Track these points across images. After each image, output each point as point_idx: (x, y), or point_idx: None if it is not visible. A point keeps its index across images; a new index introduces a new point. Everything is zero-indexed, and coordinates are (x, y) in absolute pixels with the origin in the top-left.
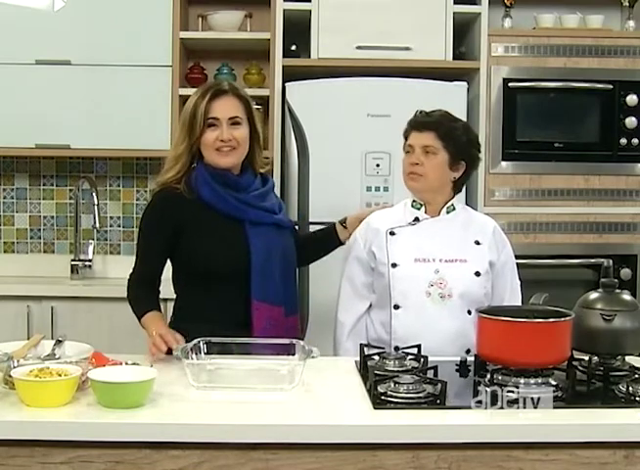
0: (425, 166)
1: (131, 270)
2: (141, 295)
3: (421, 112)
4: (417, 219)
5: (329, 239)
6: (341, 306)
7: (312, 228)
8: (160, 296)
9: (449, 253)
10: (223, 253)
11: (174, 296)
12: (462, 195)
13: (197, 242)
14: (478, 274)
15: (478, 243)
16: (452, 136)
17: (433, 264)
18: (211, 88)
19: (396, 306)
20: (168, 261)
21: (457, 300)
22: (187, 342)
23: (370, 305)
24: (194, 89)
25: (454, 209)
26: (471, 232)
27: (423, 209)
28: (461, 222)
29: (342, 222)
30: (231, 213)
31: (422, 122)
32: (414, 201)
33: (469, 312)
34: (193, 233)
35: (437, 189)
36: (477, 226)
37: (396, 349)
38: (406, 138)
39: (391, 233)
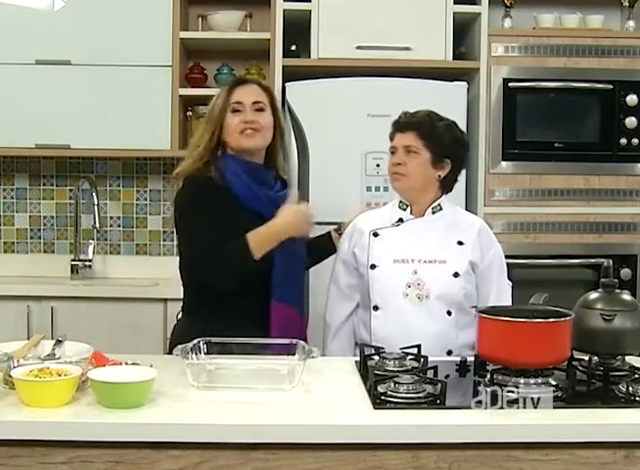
0: (407, 166)
1: (197, 254)
2: (226, 246)
3: (405, 113)
4: (401, 220)
5: (324, 247)
6: (327, 308)
7: None
8: (161, 296)
9: (429, 253)
10: None
11: (175, 295)
12: (462, 195)
13: (219, 234)
14: (456, 275)
15: (460, 243)
16: (433, 135)
17: (411, 265)
18: (236, 79)
19: (375, 308)
20: (176, 258)
21: (435, 301)
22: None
23: (358, 306)
24: (194, 89)
25: (441, 209)
26: (455, 232)
27: (408, 209)
28: (446, 223)
29: (337, 230)
30: (258, 210)
31: (404, 123)
32: (400, 201)
33: (449, 313)
34: (217, 224)
35: (422, 188)
36: (462, 226)
37: (376, 349)
38: (391, 139)
39: (375, 234)
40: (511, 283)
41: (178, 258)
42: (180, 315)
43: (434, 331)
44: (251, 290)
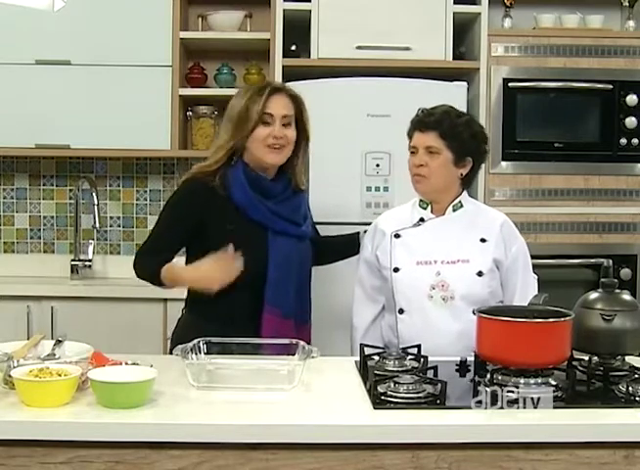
0: (429, 167)
1: (139, 249)
2: (151, 262)
3: (423, 110)
4: (422, 220)
5: (349, 246)
6: (354, 310)
7: None
8: (160, 296)
9: (451, 253)
10: (242, 257)
11: (175, 295)
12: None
13: (218, 241)
14: (480, 274)
15: (483, 240)
16: (455, 134)
17: (434, 267)
18: (268, 85)
19: (401, 311)
20: (176, 259)
21: (460, 301)
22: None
23: (384, 307)
24: (194, 89)
25: (462, 206)
26: (477, 230)
27: (429, 208)
28: (467, 220)
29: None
30: (257, 220)
31: (424, 122)
32: (421, 200)
33: (474, 313)
34: (216, 231)
35: (444, 189)
36: (484, 223)
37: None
38: (410, 138)
39: (396, 236)
40: (537, 276)
41: (184, 258)
42: (184, 311)
43: (460, 331)
44: (248, 296)
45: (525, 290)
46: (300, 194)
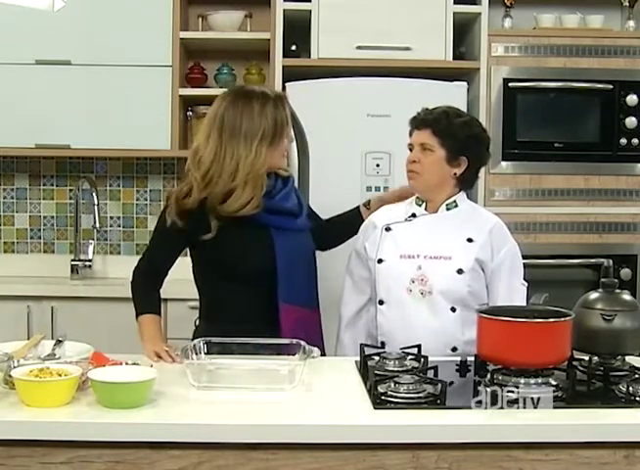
0: (422, 164)
1: (141, 256)
2: (144, 291)
3: (424, 109)
4: (414, 215)
5: (352, 222)
6: (342, 300)
7: None
8: (161, 296)
9: (435, 249)
10: (251, 257)
11: (175, 295)
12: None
13: (224, 246)
14: (460, 272)
15: (470, 240)
16: (449, 132)
17: (416, 261)
18: (274, 94)
19: (381, 302)
20: (189, 260)
21: (438, 296)
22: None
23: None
24: (194, 89)
25: (456, 206)
26: (466, 229)
27: (424, 205)
28: (459, 220)
29: (366, 204)
30: (256, 220)
31: (420, 120)
32: (417, 197)
33: (453, 310)
34: (220, 238)
35: (437, 186)
36: (475, 223)
37: (382, 344)
38: (410, 136)
39: (387, 229)
40: (526, 284)
41: (191, 266)
42: (197, 321)
43: (438, 327)
44: (263, 293)
45: (510, 295)
46: (288, 185)
